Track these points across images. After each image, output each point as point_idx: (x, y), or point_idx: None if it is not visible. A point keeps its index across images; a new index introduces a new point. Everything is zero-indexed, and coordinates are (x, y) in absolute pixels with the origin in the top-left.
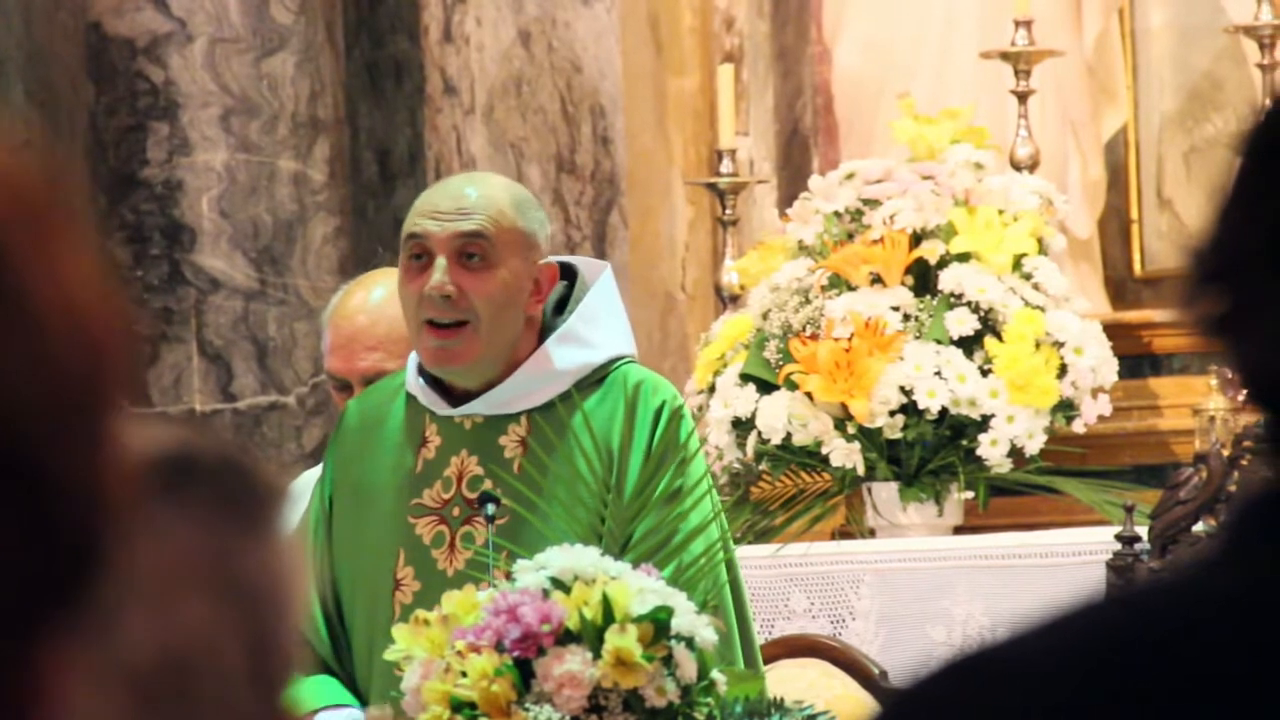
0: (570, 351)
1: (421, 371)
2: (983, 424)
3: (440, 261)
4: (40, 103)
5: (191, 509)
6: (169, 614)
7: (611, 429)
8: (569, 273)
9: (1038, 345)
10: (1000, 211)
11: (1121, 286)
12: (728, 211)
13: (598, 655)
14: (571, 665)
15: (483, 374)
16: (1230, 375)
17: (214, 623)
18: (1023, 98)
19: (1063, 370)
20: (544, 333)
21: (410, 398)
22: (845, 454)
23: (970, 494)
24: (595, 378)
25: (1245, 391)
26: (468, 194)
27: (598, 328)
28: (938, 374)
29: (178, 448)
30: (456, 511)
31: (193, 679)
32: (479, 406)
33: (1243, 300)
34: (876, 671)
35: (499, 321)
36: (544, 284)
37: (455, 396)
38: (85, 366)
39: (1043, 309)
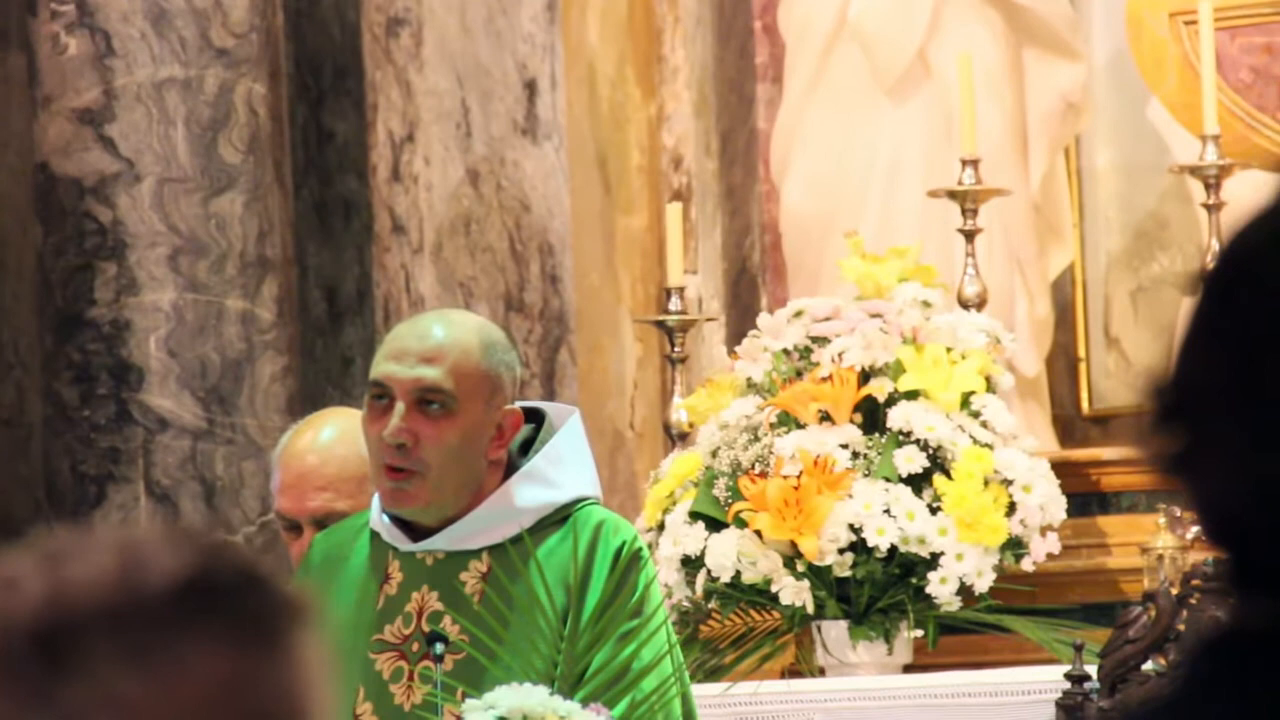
0: (533, 490)
1: (385, 508)
2: (932, 562)
3: (399, 407)
4: None
5: (211, 635)
6: None
7: (571, 568)
8: (537, 416)
9: (986, 483)
10: (948, 349)
11: (1069, 425)
12: (676, 349)
13: None
14: None
15: (440, 514)
16: (1180, 513)
17: None
18: (970, 236)
19: (1011, 508)
20: (510, 472)
21: (374, 534)
22: (795, 592)
23: (920, 632)
24: (557, 517)
25: (1200, 529)
26: (435, 336)
27: (563, 469)
28: (887, 511)
29: (197, 567)
30: (416, 647)
31: None
32: (440, 542)
33: (1199, 438)
34: None
35: (452, 471)
36: (507, 430)
37: (418, 533)
38: None
39: (991, 447)
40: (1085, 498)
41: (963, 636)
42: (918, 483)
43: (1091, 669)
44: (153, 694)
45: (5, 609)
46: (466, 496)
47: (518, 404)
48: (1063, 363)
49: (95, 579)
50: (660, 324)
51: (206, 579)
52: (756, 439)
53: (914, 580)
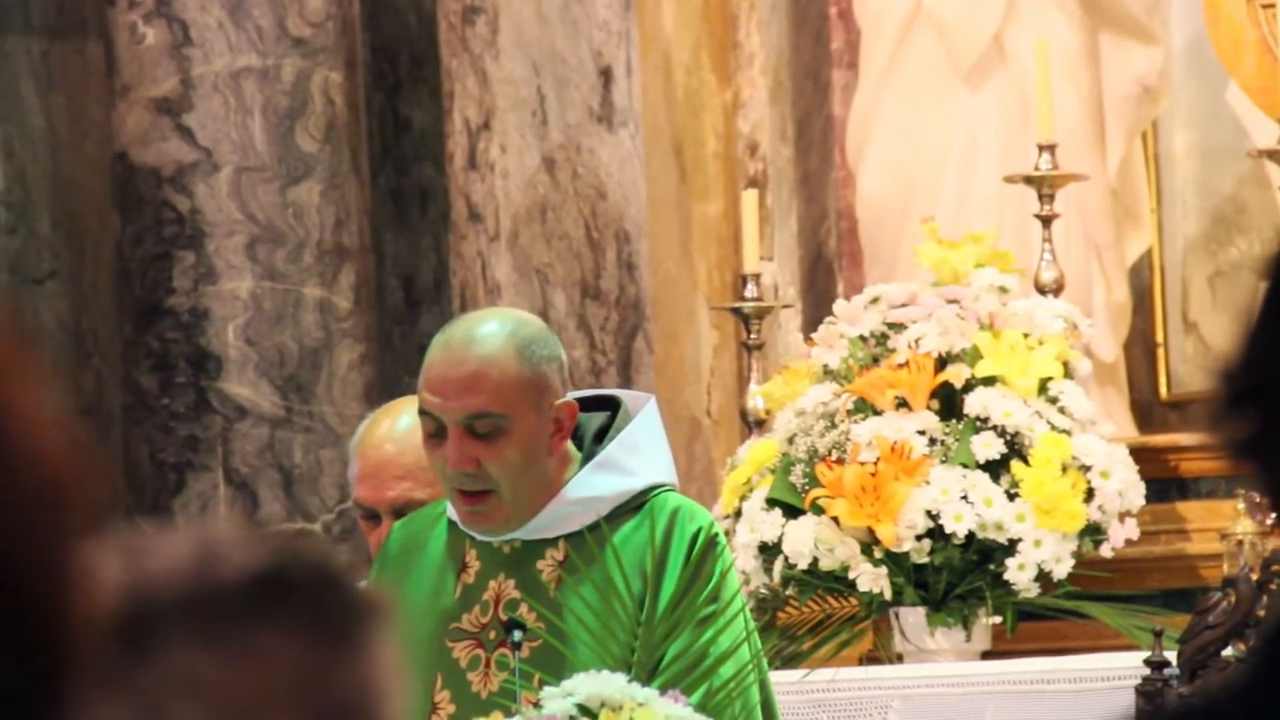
0: (609, 478)
1: (465, 529)
2: (1010, 548)
3: (453, 437)
4: (67, 233)
5: (284, 627)
6: None
7: (647, 554)
8: (613, 403)
9: (1064, 469)
10: (1025, 335)
11: (1148, 410)
12: (752, 336)
13: None
14: None
15: (520, 524)
16: (1258, 498)
17: None
18: (1047, 221)
19: (1089, 494)
20: (587, 460)
21: (451, 523)
22: (872, 579)
23: (998, 619)
24: (633, 504)
25: (1274, 514)
26: (471, 360)
27: (638, 456)
28: (964, 498)
29: (272, 562)
30: (493, 635)
31: None
32: (518, 531)
33: (1272, 422)
34: None
35: (522, 484)
36: (565, 421)
37: None
38: (49, 502)
39: (1069, 433)
40: (1164, 483)
41: (1041, 623)
42: (995, 469)
43: (1171, 655)
44: (227, 677)
45: None
46: (540, 495)
47: (595, 391)
48: (1141, 348)
49: (172, 570)
50: (737, 311)
51: (280, 574)
52: (833, 425)
53: (992, 567)
